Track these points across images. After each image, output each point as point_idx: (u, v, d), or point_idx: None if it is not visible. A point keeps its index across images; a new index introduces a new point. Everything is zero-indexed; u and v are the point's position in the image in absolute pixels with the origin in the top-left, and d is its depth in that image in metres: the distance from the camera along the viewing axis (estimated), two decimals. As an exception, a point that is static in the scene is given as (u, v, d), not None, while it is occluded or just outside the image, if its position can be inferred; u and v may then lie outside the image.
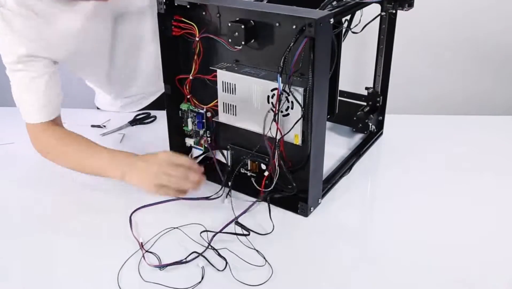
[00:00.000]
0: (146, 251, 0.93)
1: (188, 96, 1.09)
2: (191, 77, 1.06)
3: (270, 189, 1.03)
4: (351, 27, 1.07)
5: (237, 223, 0.99)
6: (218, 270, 0.89)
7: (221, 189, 1.08)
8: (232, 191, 1.08)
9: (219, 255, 0.91)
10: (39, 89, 1.12)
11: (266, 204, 1.04)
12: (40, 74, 1.12)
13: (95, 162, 1.08)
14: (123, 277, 0.88)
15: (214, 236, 0.96)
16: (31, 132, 1.16)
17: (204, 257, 0.91)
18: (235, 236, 0.96)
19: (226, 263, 0.90)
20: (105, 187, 1.12)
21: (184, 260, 0.90)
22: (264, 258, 0.91)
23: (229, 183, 1.07)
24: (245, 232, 0.96)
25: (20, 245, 0.97)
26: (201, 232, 0.97)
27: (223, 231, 0.97)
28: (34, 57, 1.10)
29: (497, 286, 0.86)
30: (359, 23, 1.07)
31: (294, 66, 0.90)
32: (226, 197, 1.07)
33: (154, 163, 1.01)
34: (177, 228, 0.98)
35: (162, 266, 0.89)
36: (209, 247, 0.93)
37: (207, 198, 1.06)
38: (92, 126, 1.41)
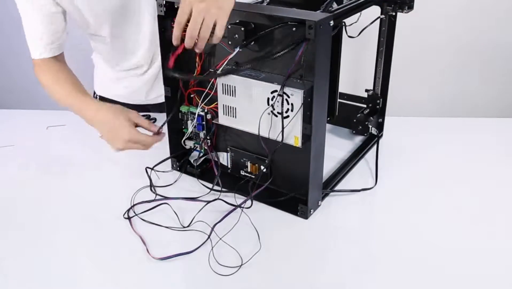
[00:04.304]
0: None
1: (192, 96, 1.09)
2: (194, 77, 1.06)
3: (260, 189, 1.03)
4: (349, 29, 1.07)
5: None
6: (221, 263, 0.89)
7: (210, 191, 1.09)
8: (231, 194, 1.08)
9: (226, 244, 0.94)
10: (41, 25, 1.18)
11: (266, 207, 1.04)
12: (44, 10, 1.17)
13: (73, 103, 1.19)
14: (129, 276, 0.88)
15: (215, 224, 0.97)
16: (35, 67, 1.25)
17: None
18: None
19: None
20: (101, 187, 1.15)
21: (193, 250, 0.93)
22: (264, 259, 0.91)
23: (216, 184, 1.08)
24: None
25: (19, 245, 0.97)
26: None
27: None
28: None
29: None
30: (356, 21, 1.07)
31: (293, 67, 0.90)
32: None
33: (119, 138, 1.08)
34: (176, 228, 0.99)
35: (170, 257, 0.91)
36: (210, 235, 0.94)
37: (193, 199, 1.07)
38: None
